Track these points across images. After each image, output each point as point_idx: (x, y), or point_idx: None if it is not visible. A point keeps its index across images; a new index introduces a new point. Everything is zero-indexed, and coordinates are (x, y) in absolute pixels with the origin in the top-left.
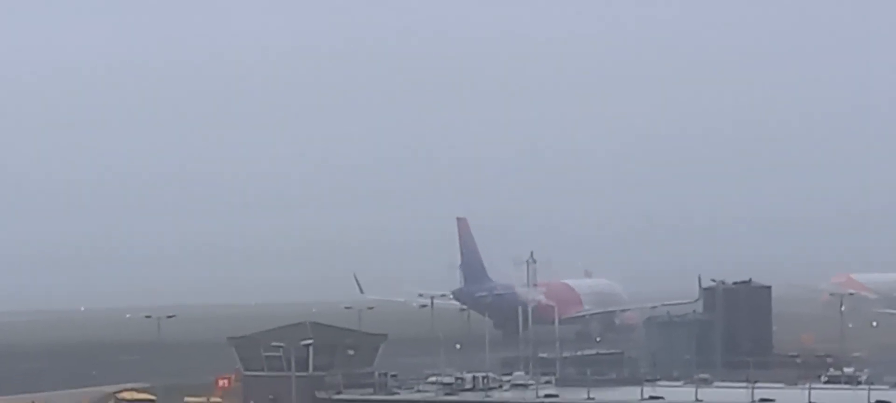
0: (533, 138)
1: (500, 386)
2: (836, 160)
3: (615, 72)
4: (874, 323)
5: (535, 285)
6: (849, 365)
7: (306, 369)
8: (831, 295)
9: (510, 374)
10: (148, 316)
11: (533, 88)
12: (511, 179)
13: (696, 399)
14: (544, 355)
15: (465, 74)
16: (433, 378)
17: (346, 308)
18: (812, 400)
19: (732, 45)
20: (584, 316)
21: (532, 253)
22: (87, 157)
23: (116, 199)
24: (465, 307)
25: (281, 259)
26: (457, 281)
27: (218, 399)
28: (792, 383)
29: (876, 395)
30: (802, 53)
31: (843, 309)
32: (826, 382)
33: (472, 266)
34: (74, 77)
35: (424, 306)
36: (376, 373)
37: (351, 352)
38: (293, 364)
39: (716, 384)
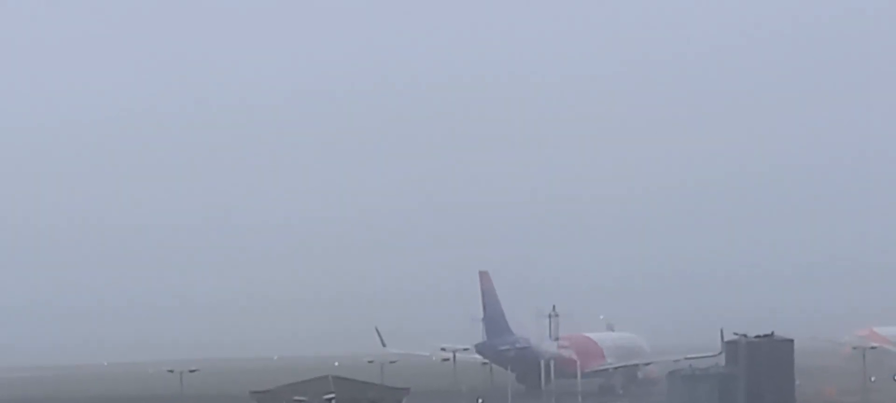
0: (554, 186)
1: None
2: (862, 207)
3: (636, 115)
4: None
5: (558, 338)
6: None
7: None
8: (854, 348)
9: None
10: (170, 371)
11: (554, 134)
12: (532, 229)
13: None
14: None
15: (486, 121)
16: None
17: (369, 361)
18: None
19: (755, 88)
20: (606, 369)
21: (554, 307)
22: (109, 209)
23: (138, 252)
24: (487, 361)
25: (302, 310)
26: (479, 334)
27: None
28: None
29: None
30: (828, 94)
31: (866, 362)
32: None
33: (494, 319)
34: (91, 126)
35: (447, 360)
36: None
37: None
38: None
39: None
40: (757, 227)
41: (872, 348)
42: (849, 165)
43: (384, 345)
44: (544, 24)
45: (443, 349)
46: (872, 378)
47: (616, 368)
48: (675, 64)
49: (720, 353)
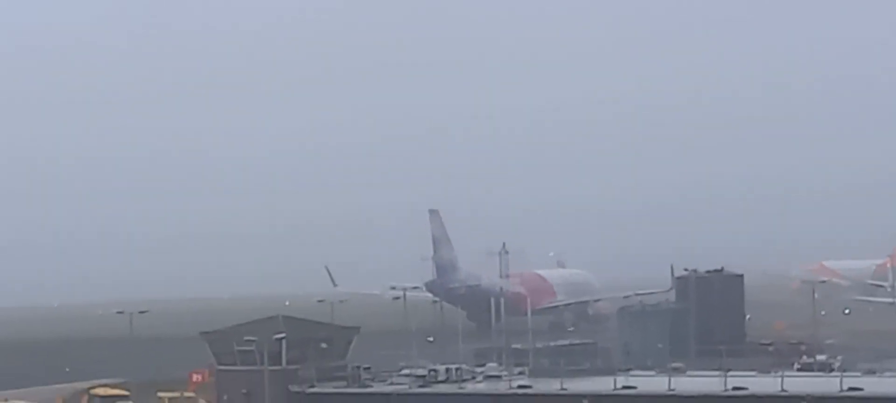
0: (501, 123)
1: (474, 378)
2: (812, 138)
3: (586, 47)
4: (847, 311)
5: (508, 276)
6: (822, 353)
7: (279, 363)
8: (804, 282)
9: (483, 365)
10: (120, 312)
11: (503, 70)
12: (481, 166)
13: (670, 389)
14: (517, 346)
15: (436, 57)
16: (407, 371)
17: (319, 301)
18: (785, 388)
19: (698, 16)
20: (557, 306)
21: (505, 244)
22: (56, 145)
23: (86, 189)
24: (437, 299)
25: (252, 246)
26: (429, 272)
27: (191, 394)
28: (765, 371)
29: (849, 382)
30: (772, 20)
31: (816, 296)
32: (799, 370)
33: (444, 257)
34: (41, 56)
35: (397, 298)
36: (349, 366)
37: (324, 346)
38: (266, 358)
39: (689, 373)
40: (707, 160)
41: (822, 282)
42: (794, 93)
43: (335, 285)
44: None
45: (393, 287)
46: (822, 312)
47: (567, 305)
48: None
49: (670, 289)
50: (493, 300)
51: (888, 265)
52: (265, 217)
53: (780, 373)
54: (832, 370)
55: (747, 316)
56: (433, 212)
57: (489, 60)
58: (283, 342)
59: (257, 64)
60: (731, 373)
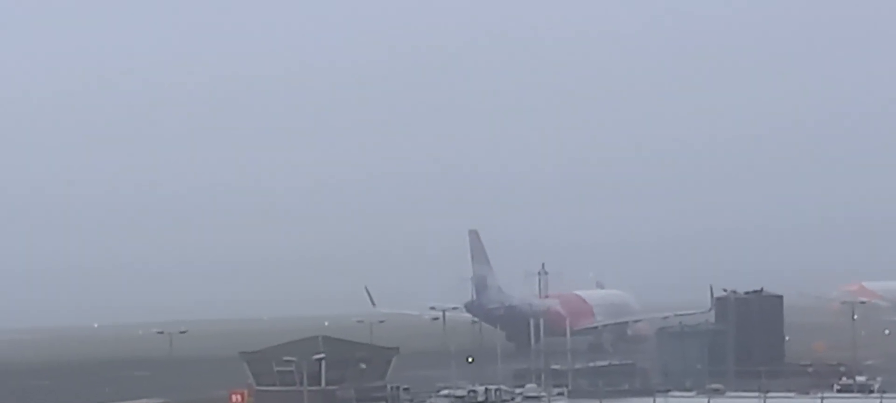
0: (543, 149)
1: (513, 398)
2: (849, 165)
3: (624, 80)
4: (886, 331)
5: (547, 297)
6: (861, 374)
7: (318, 383)
8: (843, 303)
9: (522, 386)
10: (160, 332)
11: (543, 98)
12: (522, 191)
13: None
14: (556, 367)
15: (477, 85)
16: (445, 391)
17: (358, 321)
18: None
19: (742, 50)
20: (596, 327)
21: (544, 265)
22: (99, 174)
23: (128, 215)
24: (477, 319)
25: (293, 272)
26: (469, 293)
27: None
28: (804, 392)
29: None
30: (816, 57)
31: (855, 317)
32: (838, 391)
33: (483, 278)
34: (85, 93)
35: (436, 319)
36: (389, 387)
37: (363, 366)
38: (305, 378)
39: (728, 394)
40: (746, 185)
41: (861, 302)
42: (837, 124)
43: (374, 305)
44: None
45: (432, 308)
46: (862, 333)
47: (605, 326)
48: (660, 26)
49: (710, 310)
50: (532, 320)
51: None
52: (307, 241)
53: (819, 395)
54: (872, 391)
55: (786, 338)
56: (473, 233)
57: (534, 95)
58: (323, 362)
59: (300, 100)
60: (770, 395)
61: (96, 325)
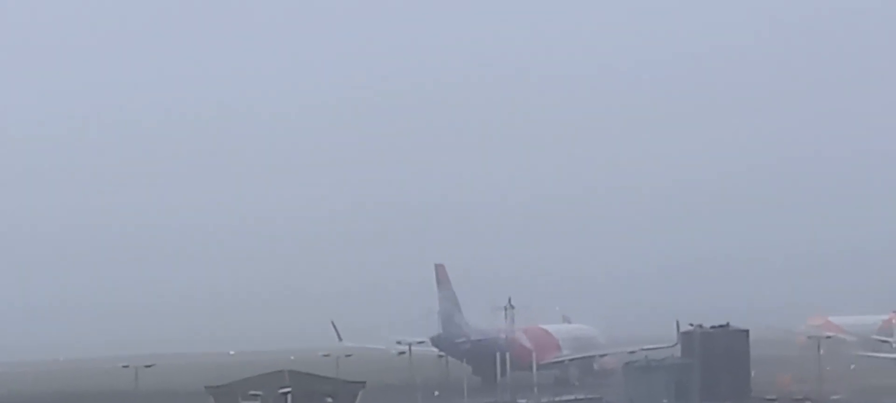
0: (507, 183)
1: None
2: (814, 200)
3: (593, 117)
4: (852, 366)
5: (514, 331)
6: None
7: None
8: (809, 337)
9: None
10: (126, 366)
11: (506, 134)
12: (487, 225)
13: None
14: (523, 401)
15: (441, 120)
16: None
17: (324, 355)
18: None
19: (711, 87)
20: (562, 361)
21: (510, 299)
22: (64, 209)
23: (92, 248)
24: (443, 353)
25: (258, 307)
26: (435, 327)
27: None
28: None
29: None
30: (791, 96)
31: (821, 351)
32: None
33: (450, 312)
34: (49, 127)
35: (403, 353)
36: None
37: (330, 400)
38: None
39: None
40: (709, 219)
41: (827, 337)
42: (807, 159)
43: (340, 339)
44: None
45: (398, 342)
46: (828, 368)
47: (572, 360)
48: (629, 61)
49: (675, 344)
50: (498, 354)
51: (894, 321)
52: (270, 275)
53: None
54: None
55: (752, 372)
56: (439, 267)
57: (494, 127)
58: (289, 396)
59: (256, 134)
60: None
61: (61, 359)
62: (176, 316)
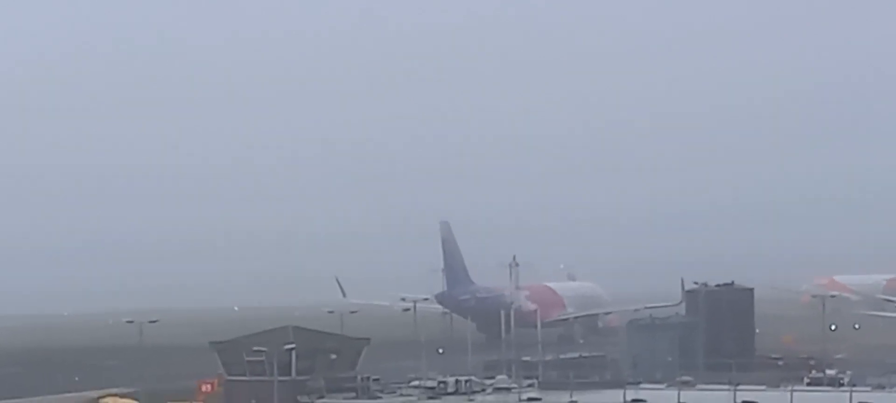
0: (514, 131)
1: (483, 390)
2: (822, 149)
3: (596, 56)
4: (856, 325)
5: (518, 288)
6: (831, 367)
7: (289, 373)
8: (814, 296)
9: (493, 378)
10: (130, 321)
11: (518, 79)
12: (493, 177)
13: (679, 402)
14: (527, 358)
15: (448, 69)
16: (416, 382)
17: (329, 312)
18: (794, 402)
19: (707, 23)
20: (566, 319)
21: (515, 257)
22: (70, 148)
23: (97, 195)
24: (447, 310)
25: (263, 260)
26: (439, 284)
27: None
28: (774, 385)
29: (858, 397)
30: (781, 30)
31: (826, 310)
32: (808, 384)
33: (454, 269)
34: (44, 66)
35: (407, 310)
36: (359, 377)
37: (333, 356)
38: (275, 368)
39: (698, 386)
40: (718, 171)
41: (832, 296)
42: (807, 104)
43: (344, 295)
44: None
45: (403, 299)
46: (832, 327)
47: (576, 317)
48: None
49: (680, 302)
50: (502, 312)
51: None
52: (276, 227)
53: (789, 388)
54: (841, 384)
55: (757, 330)
56: (444, 224)
57: (502, 70)
58: (293, 352)
59: (265, 72)
60: (740, 387)
61: (66, 313)
62: (181, 270)
